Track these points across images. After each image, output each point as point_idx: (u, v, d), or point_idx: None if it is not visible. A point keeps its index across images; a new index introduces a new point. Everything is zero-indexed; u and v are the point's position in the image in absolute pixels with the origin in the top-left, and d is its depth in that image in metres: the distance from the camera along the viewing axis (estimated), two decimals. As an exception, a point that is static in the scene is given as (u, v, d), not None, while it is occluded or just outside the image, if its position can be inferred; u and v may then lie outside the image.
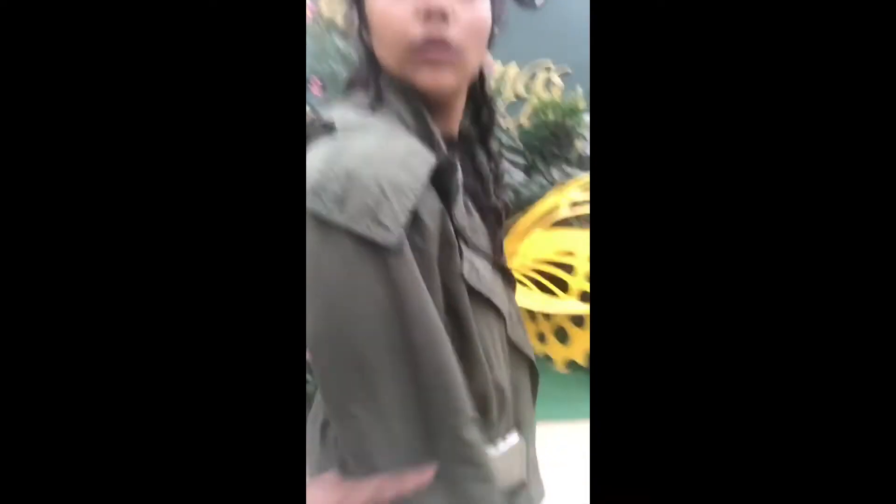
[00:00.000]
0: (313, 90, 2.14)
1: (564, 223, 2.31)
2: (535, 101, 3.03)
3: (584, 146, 2.81)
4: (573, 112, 2.84)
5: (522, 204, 2.58)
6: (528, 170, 2.95)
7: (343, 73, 2.02)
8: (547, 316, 2.24)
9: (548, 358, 2.24)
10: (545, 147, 3.07)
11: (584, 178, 2.35)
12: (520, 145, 2.90)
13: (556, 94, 3.09)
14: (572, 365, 2.19)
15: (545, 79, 3.17)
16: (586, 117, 2.84)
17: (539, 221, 2.30)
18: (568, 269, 2.16)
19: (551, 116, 2.88)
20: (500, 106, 3.11)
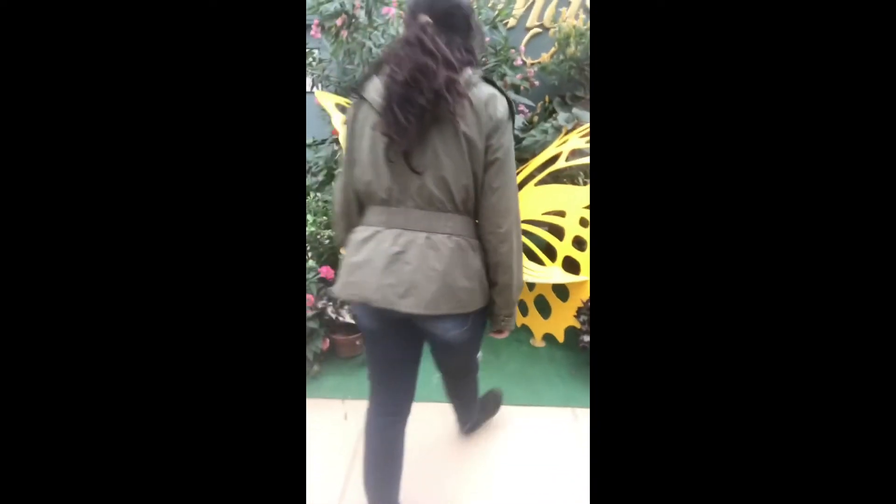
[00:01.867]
0: (313, 33, 2.09)
1: (560, 176, 1.96)
2: (559, 32, 2.53)
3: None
4: (600, 43, 2.34)
5: (523, 153, 2.24)
6: (543, 114, 2.55)
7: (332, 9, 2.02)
8: (531, 285, 1.96)
9: (527, 330, 1.98)
10: (567, 87, 2.62)
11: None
12: (535, 86, 2.49)
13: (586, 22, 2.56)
14: (548, 338, 1.93)
15: (579, 4, 2.63)
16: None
17: (535, 173, 1.96)
18: (558, 232, 1.84)
19: (574, 49, 2.41)
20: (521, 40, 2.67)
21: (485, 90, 0.81)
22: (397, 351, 0.95)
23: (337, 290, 0.90)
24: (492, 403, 1.46)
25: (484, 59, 0.97)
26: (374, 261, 0.83)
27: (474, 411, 1.34)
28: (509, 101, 0.83)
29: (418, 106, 0.76)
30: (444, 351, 0.96)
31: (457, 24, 0.83)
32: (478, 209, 0.85)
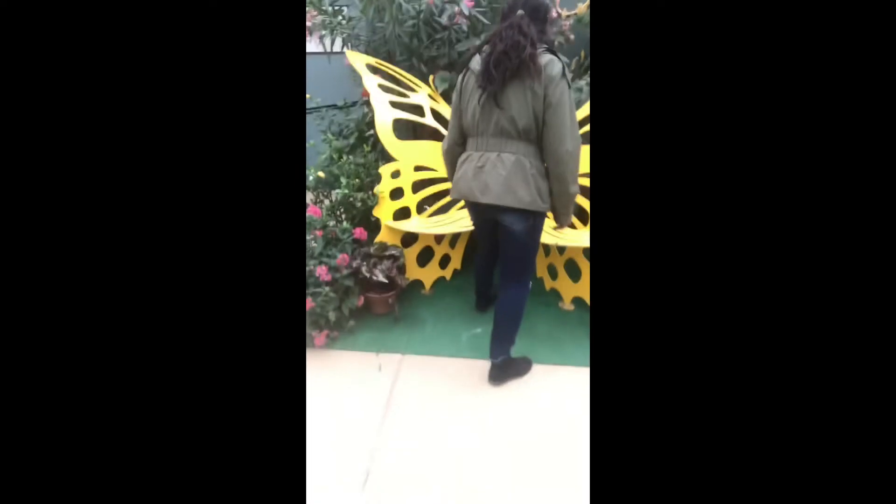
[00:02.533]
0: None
1: (595, 138, 1.90)
2: (600, -22, 2.36)
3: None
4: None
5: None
6: (579, 69, 2.43)
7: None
8: (561, 249, 1.95)
9: (556, 294, 2.00)
10: (605, 41, 2.48)
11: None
12: (570, 39, 2.36)
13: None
14: (577, 301, 1.94)
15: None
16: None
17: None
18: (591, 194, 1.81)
19: (614, -2, 2.26)
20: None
21: (546, 56, 1.23)
22: (486, 230, 1.57)
23: (451, 193, 1.46)
24: (522, 365, 1.56)
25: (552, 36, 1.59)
26: (468, 172, 1.36)
27: (509, 337, 1.51)
28: (563, 64, 1.24)
29: (506, 67, 1.21)
30: (508, 240, 1.40)
31: (539, 17, 1.27)
32: (541, 140, 1.28)
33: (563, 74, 1.22)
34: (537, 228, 1.37)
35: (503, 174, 1.27)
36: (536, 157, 1.29)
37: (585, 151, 1.83)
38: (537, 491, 1.13)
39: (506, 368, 1.51)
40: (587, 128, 1.85)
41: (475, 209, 1.44)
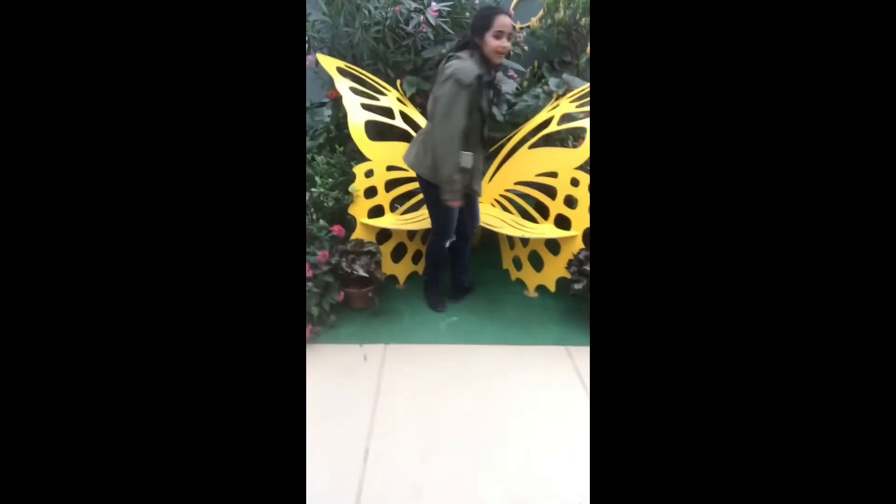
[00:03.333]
0: None
1: (552, 139, 2.09)
2: (549, -5, 2.58)
3: (595, 51, 2.40)
4: (588, 9, 2.43)
5: (516, 118, 2.35)
6: (532, 79, 2.64)
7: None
8: (524, 241, 2.13)
9: (521, 283, 2.17)
10: (555, 52, 2.70)
11: (583, 88, 2.06)
12: (525, 51, 2.56)
13: (575, -15, 2.61)
14: (541, 289, 2.12)
15: (566, -34, 2.66)
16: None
17: (528, 137, 2.09)
18: (550, 192, 1.99)
19: (563, 14, 2.48)
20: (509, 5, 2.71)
21: (451, 62, 1.59)
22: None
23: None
24: (434, 298, 2.02)
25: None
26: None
27: (428, 272, 2.03)
28: (456, 69, 1.55)
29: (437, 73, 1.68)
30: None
31: (477, 28, 1.61)
32: None
33: (455, 77, 1.53)
34: (429, 196, 1.75)
35: (415, 149, 1.75)
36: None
37: (546, 153, 2.02)
38: (526, 448, 1.27)
39: (427, 290, 2.04)
40: (546, 131, 2.03)
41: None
